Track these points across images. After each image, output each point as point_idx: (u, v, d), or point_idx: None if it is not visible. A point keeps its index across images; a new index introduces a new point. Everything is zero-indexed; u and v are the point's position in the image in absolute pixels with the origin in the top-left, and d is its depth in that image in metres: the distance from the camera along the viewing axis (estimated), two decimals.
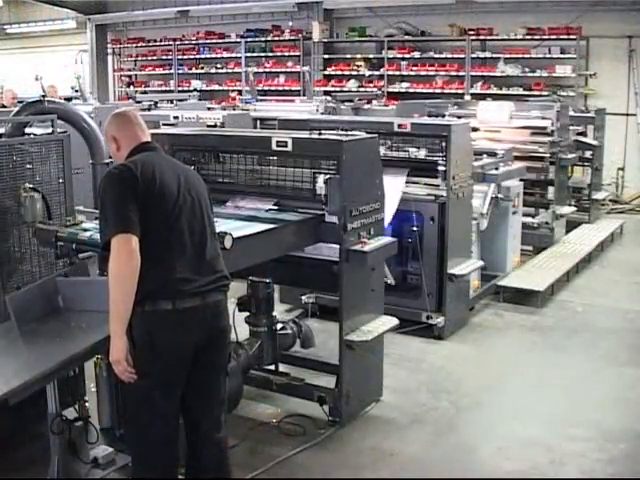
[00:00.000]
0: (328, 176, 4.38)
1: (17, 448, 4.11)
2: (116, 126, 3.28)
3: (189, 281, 3.03)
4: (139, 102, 10.47)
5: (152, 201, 3.01)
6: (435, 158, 6.02)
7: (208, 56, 16.39)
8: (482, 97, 11.00)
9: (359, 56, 14.19)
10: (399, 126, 6.15)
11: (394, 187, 5.67)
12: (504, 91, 12.47)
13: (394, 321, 4.79)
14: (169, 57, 16.87)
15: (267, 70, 15.42)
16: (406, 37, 13.76)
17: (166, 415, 3.09)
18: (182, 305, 2.99)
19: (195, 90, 14.08)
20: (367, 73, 14.04)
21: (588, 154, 10.17)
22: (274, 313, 4.71)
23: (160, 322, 2.99)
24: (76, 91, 11.84)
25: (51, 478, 3.67)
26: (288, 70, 15.10)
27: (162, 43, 16.98)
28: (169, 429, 3.12)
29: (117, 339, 2.95)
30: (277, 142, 4.61)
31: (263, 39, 15.47)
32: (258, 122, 9.35)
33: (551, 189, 8.75)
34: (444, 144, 5.93)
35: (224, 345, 3.26)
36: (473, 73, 12.95)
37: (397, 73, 13.77)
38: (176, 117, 7.92)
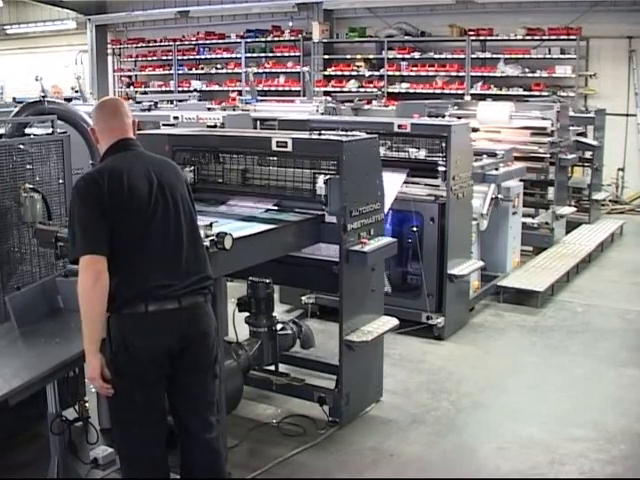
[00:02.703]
0: (328, 176, 4.38)
1: (17, 448, 4.12)
2: (96, 118, 3.23)
3: (163, 285, 3.00)
4: (139, 102, 10.48)
5: (121, 211, 2.98)
6: (435, 158, 6.02)
7: (208, 56, 16.39)
8: (482, 97, 10.99)
9: (359, 56, 14.19)
10: (399, 126, 6.15)
11: (393, 181, 5.64)
12: (504, 91, 12.47)
13: (394, 321, 4.79)
14: (169, 57, 16.86)
15: (267, 70, 15.42)
16: (406, 37, 13.76)
17: (147, 414, 3.07)
18: (155, 308, 2.98)
19: (195, 90, 14.08)
20: (367, 73, 14.04)
21: (588, 154, 10.18)
22: (274, 313, 4.71)
23: (133, 325, 2.99)
24: (76, 91, 11.83)
25: (51, 478, 3.67)
26: (288, 70, 15.10)
27: (162, 43, 16.98)
28: (152, 428, 3.10)
29: (91, 357, 2.96)
30: (277, 142, 4.61)
31: (263, 39, 15.47)
32: (258, 122, 9.34)
33: (551, 189, 8.76)
34: (444, 144, 5.93)
35: (206, 348, 3.18)
36: (473, 73, 12.95)
37: (397, 73, 13.77)
38: (176, 117, 7.91)
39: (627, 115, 12.07)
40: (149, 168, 3.14)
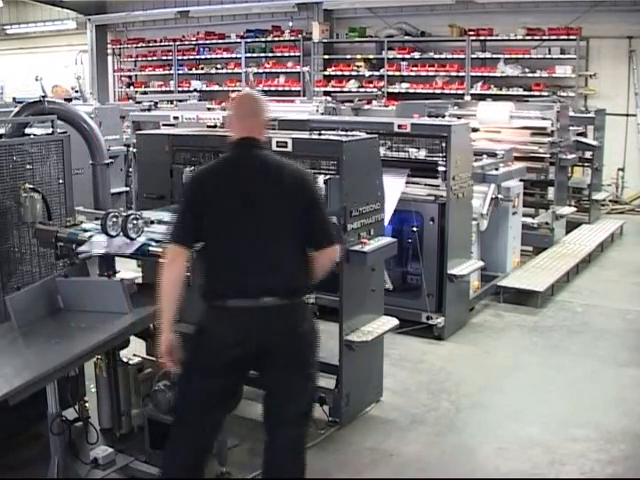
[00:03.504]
0: (328, 176, 4.38)
1: (17, 448, 4.12)
2: (232, 110, 3.35)
3: (241, 284, 3.13)
4: (139, 102, 10.48)
5: (211, 210, 3.16)
6: (435, 158, 6.02)
7: (208, 56, 16.38)
8: (482, 97, 10.99)
9: (359, 56, 14.18)
10: (399, 126, 6.14)
11: (394, 187, 5.66)
12: (504, 91, 12.46)
13: (394, 321, 4.79)
14: (169, 57, 16.85)
15: (267, 70, 15.42)
16: (406, 37, 13.75)
17: (192, 401, 3.20)
18: (231, 304, 3.11)
19: (195, 90, 14.09)
20: (367, 73, 14.04)
21: (588, 154, 10.17)
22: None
23: (210, 317, 3.18)
24: (76, 91, 11.83)
25: (51, 478, 3.67)
26: (288, 70, 15.09)
27: (162, 43, 16.97)
28: (191, 415, 3.20)
29: (162, 333, 3.18)
30: (277, 142, 4.61)
31: (263, 39, 15.47)
32: None
33: (551, 189, 8.76)
34: (444, 144, 5.92)
35: (290, 348, 3.20)
36: (473, 73, 12.94)
37: (397, 73, 13.76)
38: (176, 117, 7.92)
39: (627, 115, 12.06)
40: (254, 171, 3.21)
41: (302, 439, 3.31)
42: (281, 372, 3.22)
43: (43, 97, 4.91)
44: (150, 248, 3.69)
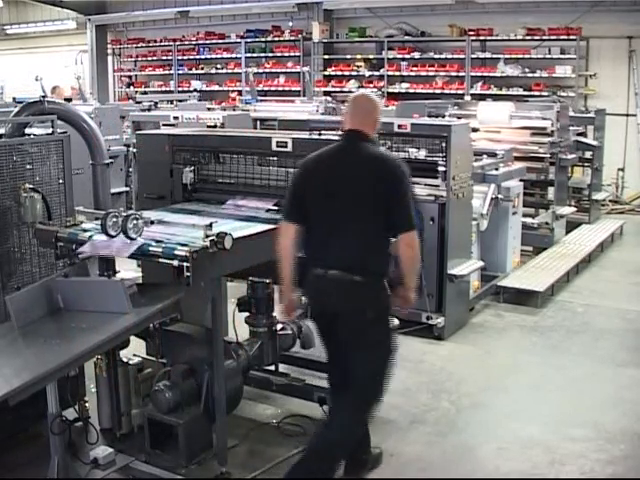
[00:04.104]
0: None
1: (17, 448, 4.12)
2: (347, 106, 3.77)
3: (325, 257, 3.59)
4: (139, 102, 10.48)
5: (310, 192, 3.65)
6: (435, 158, 6.02)
7: (208, 56, 16.39)
8: (482, 97, 11.00)
9: (359, 56, 14.19)
10: (399, 126, 6.15)
11: None
12: (504, 91, 12.47)
13: (394, 321, 4.77)
14: (169, 57, 16.86)
15: (267, 70, 15.42)
16: (406, 37, 13.76)
17: (327, 356, 3.84)
18: (315, 272, 3.60)
19: (195, 90, 14.08)
20: (367, 73, 14.05)
21: (588, 154, 10.18)
22: (274, 313, 4.71)
23: (308, 280, 3.69)
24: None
25: (51, 478, 3.67)
26: (288, 70, 15.10)
27: (162, 43, 16.98)
28: (330, 366, 3.87)
29: (283, 294, 3.80)
30: (277, 142, 4.61)
31: (263, 39, 15.47)
32: (258, 122, 9.35)
33: (551, 189, 8.76)
34: (444, 144, 5.93)
35: (350, 324, 3.57)
36: (473, 73, 12.95)
37: (397, 73, 13.77)
38: (176, 117, 7.91)
39: (627, 115, 12.07)
40: (352, 160, 3.63)
41: (361, 411, 3.71)
42: (345, 340, 3.62)
43: (43, 97, 4.90)
44: (150, 248, 3.68)
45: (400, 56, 13.70)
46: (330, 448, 3.62)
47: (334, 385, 3.87)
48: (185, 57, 16.68)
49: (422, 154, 6.07)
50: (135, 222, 3.77)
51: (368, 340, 3.58)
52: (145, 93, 15.81)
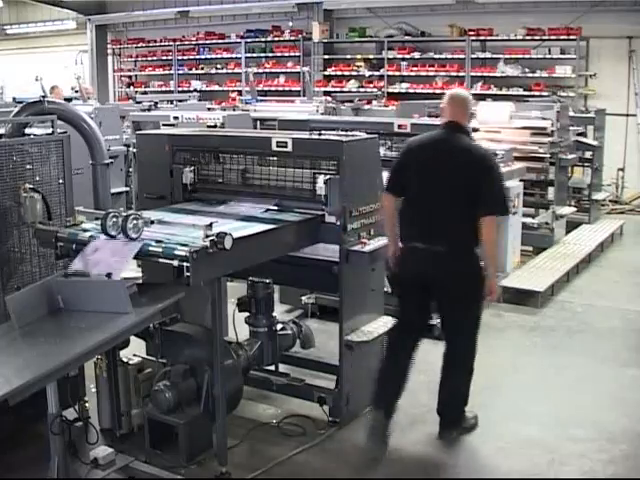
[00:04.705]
0: (328, 176, 4.38)
1: (17, 448, 4.12)
2: (445, 101, 4.33)
3: (421, 232, 4.16)
4: (139, 102, 10.48)
5: (410, 171, 4.20)
6: None
7: (208, 57, 16.39)
8: (482, 97, 11.00)
9: (359, 56, 14.19)
10: (399, 126, 6.16)
11: None
12: (504, 92, 12.47)
13: (394, 322, 4.78)
14: (169, 58, 16.87)
15: (267, 70, 15.42)
16: (406, 37, 13.76)
17: (399, 319, 4.43)
18: (413, 245, 4.17)
19: (195, 90, 14.10)
20: (367, 73, 14.05)
21: (588, 154, 10.17)
22: (274, 313, 4.71)
23: (404, 252, 4.25)
24: (76, 92, 11.83)
25: (51, 478, 3.67)
26: (288, 70, 15.10)
27: (162, 44, 16.98)
28: (399, 332, 4.44)
29: (389, 246, 4.36)
30: (277, 142, 4.61)
31: (263, 39, 15.47)
32: (258, 122, 9.35)
33: (551, 189, 8.75)
34: None
35: (452, 285, 4.14)
36: (473, 73, 12.95)
37: (397, 73, 13.77)
38: (176, 117, 7.92)
39: (627, 115, 12.07)
40: (448, 147, 4.18)
41: (464, 356, 4.50)
42: (446, 303, 4.24)
43: (43, 97, 4.90)
44: (150, 248, 3.68)
45: (400, 56, 13.71)
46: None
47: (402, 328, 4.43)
48: (185, 57, 16.68)
49: None
50: (135, 222, 3.76)
51: (467, 298, 4.20)
52: (145, 93, 15.81)
